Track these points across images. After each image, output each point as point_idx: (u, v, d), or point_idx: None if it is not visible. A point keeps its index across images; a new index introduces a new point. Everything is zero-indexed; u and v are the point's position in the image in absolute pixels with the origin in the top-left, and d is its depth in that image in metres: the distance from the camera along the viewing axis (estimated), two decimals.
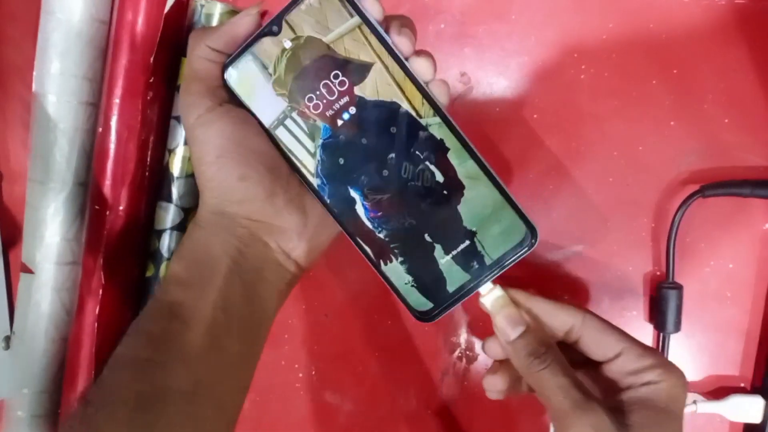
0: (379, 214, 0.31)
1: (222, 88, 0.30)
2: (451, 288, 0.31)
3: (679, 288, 0.38)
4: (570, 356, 0.31)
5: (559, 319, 0.31)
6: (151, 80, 0.37)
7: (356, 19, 0.29)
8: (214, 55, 0.30)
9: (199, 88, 0.30)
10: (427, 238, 0.31)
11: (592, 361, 0.32)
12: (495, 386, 0.33)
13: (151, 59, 0.36)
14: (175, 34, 0.37)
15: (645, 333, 0.39)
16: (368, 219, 0.31)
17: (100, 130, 0.37)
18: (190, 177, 0.38)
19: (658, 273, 0.39)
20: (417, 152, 0.30)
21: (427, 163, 0.30)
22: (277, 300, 0.32)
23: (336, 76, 0.30)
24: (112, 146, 0.37)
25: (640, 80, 0.38)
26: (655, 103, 0.38)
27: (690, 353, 0.39)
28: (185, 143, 0.37)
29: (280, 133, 0.31)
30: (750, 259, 0.38)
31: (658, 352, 0.32)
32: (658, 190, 0.39)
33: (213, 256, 0.30)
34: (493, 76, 0.39)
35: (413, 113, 0.30)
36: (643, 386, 0.29)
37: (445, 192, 0.30)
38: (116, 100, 0.37)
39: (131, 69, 0.36)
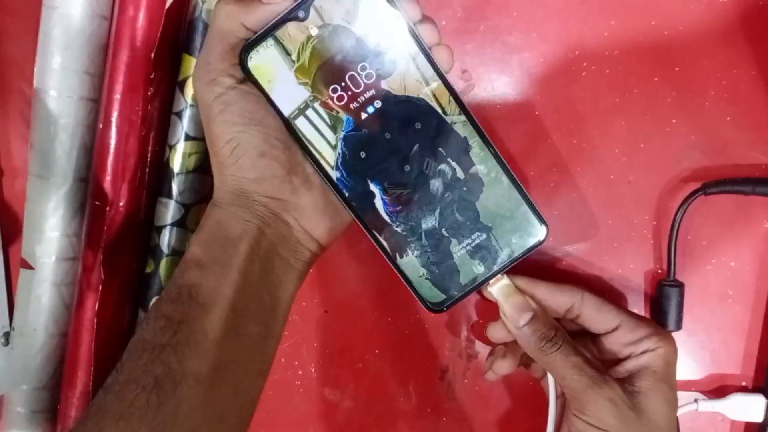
0: (398, 208, 0.32)
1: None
2: (463, 280, 0.33)
3: (680, 286, 0.38)
4: (565, 329, 0.33)
5: (560, 300, 0.33)
6: (151, 76, 0.37)
7: (389, 11, 0.29)
8: (245, 33, 0.29)
9: (221, 66, 0.29)
10: (444, 232, 0.32)
11: (587, 332, 0.34)
12: (503, 369, 0.36)
13: (152, 55, 0.36)
14: (176, 30, 0.37)
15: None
16: (387, 213, 0.32)
17: (101, 125, 0.37)
18: (190, 173, 0.38)
19: (660, 271, 0.39)
20: (440, 149, 0.31)
21: (450, 160, 0.31)
22: (296, 280, 0.32)
23: (363, 69, 0.30)
24: (112, 142, 0.37)
25: (642, 77, 0.38)
26: (656, 100, 0.38)
27: (691, 352, 0.39)
28: (186, 139, 0.37)
29: (300, 123, 0.30)
30: (752, 257, 0.38)
31: (651, 321, 0.34)
32: (659, 188, 0.38)
33: (232, 236, 0.30)
34: (494, 72, 0.39)
35: (440, 111, 0.30)
36: (642, 354, 0.32)
37: (464, 189, 0.31)
38: (117, 96, 0.37)
39: (132, 64, 0.36)
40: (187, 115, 0.37)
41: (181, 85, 0.37)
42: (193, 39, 0.37)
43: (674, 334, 0.38)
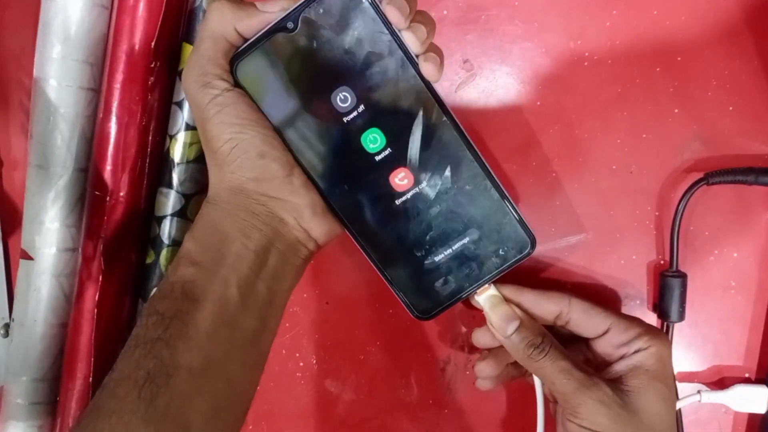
0: (387, 218, 0.32)
1: None
2: (450, 289, 0.33)
3: (683, 276, 0.37)
4: (557, 336, 0.33)
5: (546, 307, 0.34)
6: (152, 65, 0.36)
7: (378, 24, 0.29)
8: (235, 37, 0.29)
9: (215, 71, 0.29)
10: (432, 243, 0.32)
11: (579, 337, 0.34)
12: (485, 372, 0.36)
13: (153, 44, 0.36)
14: (176, 19, 0.37)
15: (648, 322, 0.39)
16: (375, 223, 0.32)
17: (101, 115, 0.37)
18: (191, 163, 0.37)
19: (662, 262, 0.39)
20: (429, 161, 0.31)
21: (438, 172, 0.31)
22: (293, 276, 0.32)
23: (352, 80, 0.30)
24: (112, 131, 0.37)
25: (644, 67, 0.38)
26: (658, 90, 0.38)
27: (694, 343, 0.39)
28: (186, 129, 0.37)
29: (289, 134, 0.30)
30: (755, 247, 0.38)
31: (641, 321, 0.34)
32: (661, 178, 0.38)
33: (227, 234, 0.30)
34: (496, 62, 0.39)
35: (429, 123, 0.30)
36: (634, 354, 0.32)
37: (452, 201, 0.32)
38: (117, 85, 0.36)
39: (132, 54, 0.36)
40: (187, 105, 0.37)
41: (182, 75, 0.37)
42: (193, 28, 0.37)
43: (677, 325, 0.38)
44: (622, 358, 0.33)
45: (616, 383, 0.32)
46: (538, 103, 0.39)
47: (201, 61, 0.29)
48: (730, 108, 0.38)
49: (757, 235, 0.38)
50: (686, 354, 0.39)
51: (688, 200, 0.37)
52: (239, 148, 0.29)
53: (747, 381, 0.39)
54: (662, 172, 0.38)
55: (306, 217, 0.31)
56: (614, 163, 0.38)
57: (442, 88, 0.39)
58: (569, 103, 0.38)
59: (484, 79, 0.39)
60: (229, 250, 0.29)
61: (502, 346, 0.34)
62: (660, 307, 0.38)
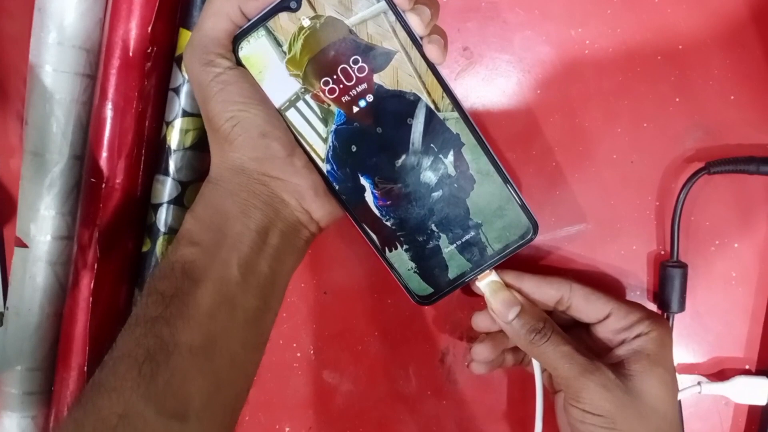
0: (389, 202, 0.32)
1: None
2: (451, 275, 0.33)
3: (683, 267, 0.37)
4: (558, 321, 0.33)
5: (547, 292, 0.33)
6: (148, 51, 0.36)
7: (382, 4, 0.28)
8: (240, 18, 0.29)
9: (218, 50, 0.29)
10: (434, 227, 0.32)
11: (580, 322, 0.34)
12: (481, 355, 0.35)
13: (149, 29, 0.35)
14: (173, 4, 0.37)
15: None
16: (377, 207, 0.32)
17: (97, 101, 0.37)
18: (187, 150, 0.37)
19: (663, 252, 0.38)
20: (432, 145, 0.31)
21: (441, 156, 0.31)
22: (294, 256, 0.32)
23: (356, 62, 0.29)
24: (108, 118, 0.36)
25: (645, 56, 0.37)
26: (660, 79, 0.37)
27: (694, 334, 0.39)
28: (183, 115, 0.37)
29: (291, 115, 0.30)
30: (756, 238, 0.38)
31: (642, 306, 0.34)
32: (662, 168, 0.38)
33: (227, 214, 0.29)
34: (496, 50, 0.38)
35: (432, 106, 0.30)
36: (635, 339, 0.32)
37: (455, 185, 0.31)
38: (113, 71, 0.36)
39: (128, 39, 0.36)
40: (184, 90, 0.36)
41: (179, 61, 0.37)
42: (190, 14, 0.36)
43: (677, 316, 0.38)
44: (622, 343, 0.33)
45: (617, 368, 0.31)
46: (539, 91, 0.38)
47: (204, 40, 0.29)
48: (732, 97, 0.37)
49: (759, 225, 0.38)
50: (686, 345, 0.39)
51: (689, 190, 0.37)
52: (241, 127, 0.29)
53: (747, 372, 0.38)
54: (663, 162, 0.38)
55: (307, 199, 0.31)
56: (615, 153, 0.38)
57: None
58: (570, 92, 0.38)
59: (485, 67, 0.39)
60: (230, 229, 0.29)
61: (500, 331, 0.34)
62: (660, 297, 0.38)
